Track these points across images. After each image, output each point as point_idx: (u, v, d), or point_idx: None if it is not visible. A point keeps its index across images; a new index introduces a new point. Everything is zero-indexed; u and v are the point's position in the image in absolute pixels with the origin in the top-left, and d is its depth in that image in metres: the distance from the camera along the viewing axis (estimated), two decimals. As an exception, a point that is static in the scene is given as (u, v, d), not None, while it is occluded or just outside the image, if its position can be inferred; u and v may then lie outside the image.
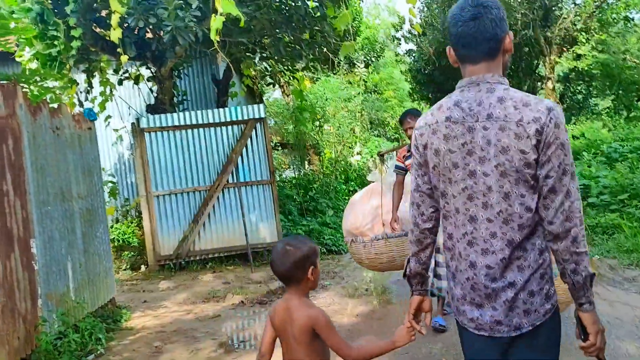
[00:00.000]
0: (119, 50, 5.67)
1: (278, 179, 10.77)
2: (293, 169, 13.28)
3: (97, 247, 5.11)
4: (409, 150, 4.31)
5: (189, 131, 7.66)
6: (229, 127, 7.80)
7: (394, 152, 4.53)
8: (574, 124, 17.18)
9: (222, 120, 7.74)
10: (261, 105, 7.90)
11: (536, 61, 17.08)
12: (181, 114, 7.68)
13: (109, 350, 4.24)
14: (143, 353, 4.13)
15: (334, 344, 1.82)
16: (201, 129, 7.71)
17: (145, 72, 8.41)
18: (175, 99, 8.12)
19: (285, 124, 12.99)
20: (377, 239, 4.65)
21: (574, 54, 13.12)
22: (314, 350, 1.84)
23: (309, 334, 1.82)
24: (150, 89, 8.72)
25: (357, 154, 14.25)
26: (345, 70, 15.47)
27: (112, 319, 5.05)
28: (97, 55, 7.46)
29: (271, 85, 10.81)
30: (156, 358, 4.00)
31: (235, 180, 7.71)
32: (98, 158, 5.45)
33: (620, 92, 13.11)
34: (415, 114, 4.31)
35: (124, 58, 5.70)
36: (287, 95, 15.11)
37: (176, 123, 7.60)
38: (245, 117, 7.79)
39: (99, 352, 4.15)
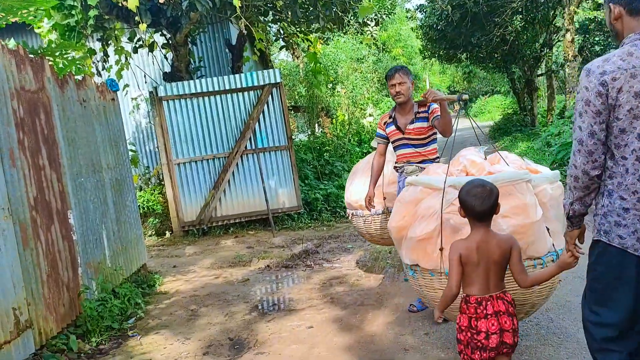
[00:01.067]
0: (136, 18, 5.62)
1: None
2: (304, 132, 13.26)
3: (127, 215, 5.25)
4: (391, 117, 3.99)
5: (206, 98, 7.67)
6: (246, 93, 7.80)
7: None
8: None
9: (239, 86, 7.73)
10: (276, 70, 7.86)
11: (553, 12, 16.60)
12: (197, 81, 7.68)
13: (148, 314, 4.43)
14: (180, 316, 4.31)
15: (520, 267, 2.21)
16: (218, 96, 7.72)
17: (159, 39, 8.36)
18: (191, 66, 8.09)
19: (296, 86, 12.89)
20: (377, 214, 4.40)
21: (594, 3, 12.69)
22: (504, 271, 2.23)
23: (507, 256, 2.19)
24: (165, 56, 8.69)
25: (369, 115, 14.18)
26: (356, 29, 15.20)
27: (147, 284, 5.24)
28: (111, 23, 7.41)
29: (284, 49, 10.68)
30: (194, 321, 4.17)
31: (253, 147, 7.77)
32: (122, 128, 5.51)
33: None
34: (407, 71, 3.89)
35: (142, 26, 5.67)
36: (297, 58, 14.93)
37: (193, 90, 7.60)
38: (262, 83, 7.77)
39: (138, 315, 4.34)
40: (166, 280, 5.55)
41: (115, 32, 7.54)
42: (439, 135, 3.87)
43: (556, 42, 18.61)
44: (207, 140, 7.71)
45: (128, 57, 7.84)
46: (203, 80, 7.71)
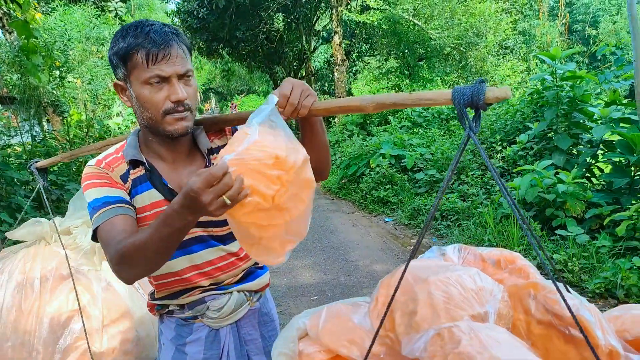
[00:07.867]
0: None
1: (-1, 151, 7.26)
2: (26, 133, 9.59)
3: None
4: (137, 165, 1.33)
5: None
6: None
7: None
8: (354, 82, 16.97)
9: None
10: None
11: (314, 13, 16.23)
12: None
13: None
14: None
15: None
16: None
17: None
18: None
19: (9, 71, 9.11)
20: None
21: (361, 7, 12.39)
22: None
23: None
24: None
25: (117, 115, 11.16)
26: (95, 2, 11.87)
27: None
28: None
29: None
30: None
31: None
32: None
33: (407, 51, 13.08)
34: (187, 45, 1.31)
35: None
36: (10, 33, 10.97)
37: None
38: None
39: None
40: None
41: None
42: None
43: (318, 46, 18.53)
44: None
45: None
46: None
